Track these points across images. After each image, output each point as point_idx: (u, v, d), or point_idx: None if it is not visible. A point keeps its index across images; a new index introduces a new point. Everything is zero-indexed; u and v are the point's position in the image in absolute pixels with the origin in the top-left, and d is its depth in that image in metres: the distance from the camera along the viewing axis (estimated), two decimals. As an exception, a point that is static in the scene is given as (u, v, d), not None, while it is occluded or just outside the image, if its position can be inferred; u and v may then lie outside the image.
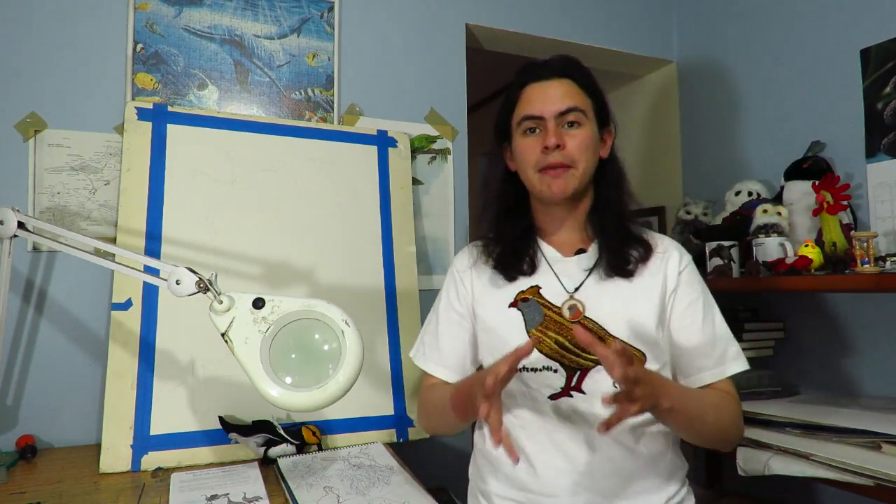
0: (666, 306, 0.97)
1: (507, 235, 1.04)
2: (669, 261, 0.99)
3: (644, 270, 0.98)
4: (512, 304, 1.00)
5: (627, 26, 2.09)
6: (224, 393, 1.30)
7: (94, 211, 1.40)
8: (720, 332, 0.98)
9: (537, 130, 0.98)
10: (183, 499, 1.00)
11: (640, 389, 0.76)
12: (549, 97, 0.97)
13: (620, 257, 0.98)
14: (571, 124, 0.96)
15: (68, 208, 1.38)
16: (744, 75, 1.88)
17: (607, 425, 0.76)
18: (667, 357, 0.98)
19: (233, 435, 1.23)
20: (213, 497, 1.00)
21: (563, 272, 1.00)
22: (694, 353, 0.97)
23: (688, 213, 1.85)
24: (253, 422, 1.26)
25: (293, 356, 0.97)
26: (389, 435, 1.42)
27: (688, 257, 1.02)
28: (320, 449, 1.26)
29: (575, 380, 0.94)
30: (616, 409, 0.76)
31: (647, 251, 0.99)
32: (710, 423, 0.91)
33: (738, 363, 0.97)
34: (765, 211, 1.49)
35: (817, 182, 1.42)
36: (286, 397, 0.92)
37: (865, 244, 1.21)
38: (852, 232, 1.31)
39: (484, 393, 0.79)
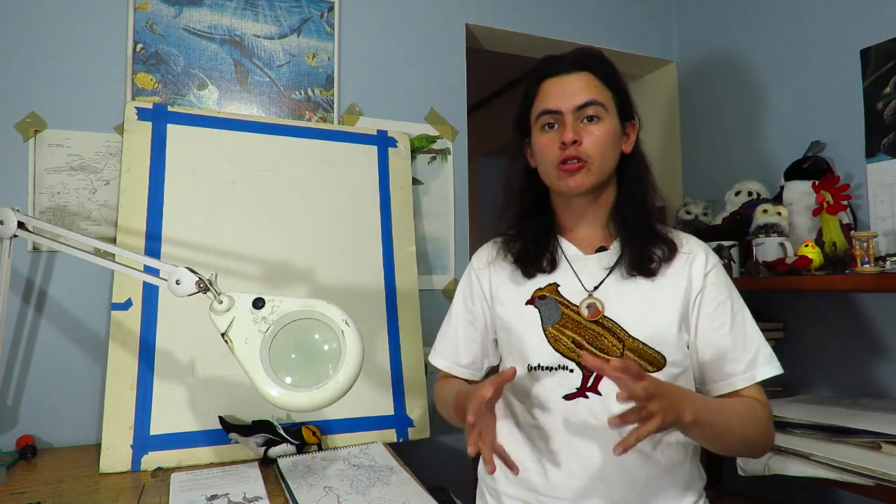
0: (690, 309, 0.94)
1: (527, 232, 1.02)
2: (695, 262, 0.96)
3: (667, 271, 0.95)
4: (529, 302, 0.98)
5: (627, 26, 2.09)
6: (224, 393, 1.30)
7: (94, 211, 1.40)
8: (751, 335, 0.94)
9: (555, 125, 0.96)
10: (183, 499, 1.00)
11: (655, 404, 0.73)
12: (566, 91, 0.94)
13: (643, 256, 0.95)
14: (591, 119, 0.94)
15: (68, 208, 1.38)
16: (744, 75, 1.88)
17: (624, 446, 0.72)
18: (688, 362, 0.95)
19: (233, 435, 1.23)
20: (213, 497, 1.00)
21: (582, 270, 0.98)
22: (724, 358, 0.93)
23: (688, 213, 1.85)
24: (253, 422, 1.26)
25: (293, 356, 0.97)
26: (389, 435, 1.42)
27: (714, 258, 0.98)
28: (320, 449, 1.27)
29: (591, 380, 0.92)
30: (634, 428, 0.73)
31: (671, 251, 0.96)
32: (737, 434, 0.87)
33: (770, 367, 0.93)
34: (765, 211, 1.49)
35: (817, 182, 1.42)
36: (286, 397, 0.92)
37: (865, 244, 1.21)
38: (852, 232, 1.31)
39: (469, 422, 0.78)
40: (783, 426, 1.28)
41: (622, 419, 0.73)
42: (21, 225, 1.11)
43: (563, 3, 1.99)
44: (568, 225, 1.03)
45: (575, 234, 1.02)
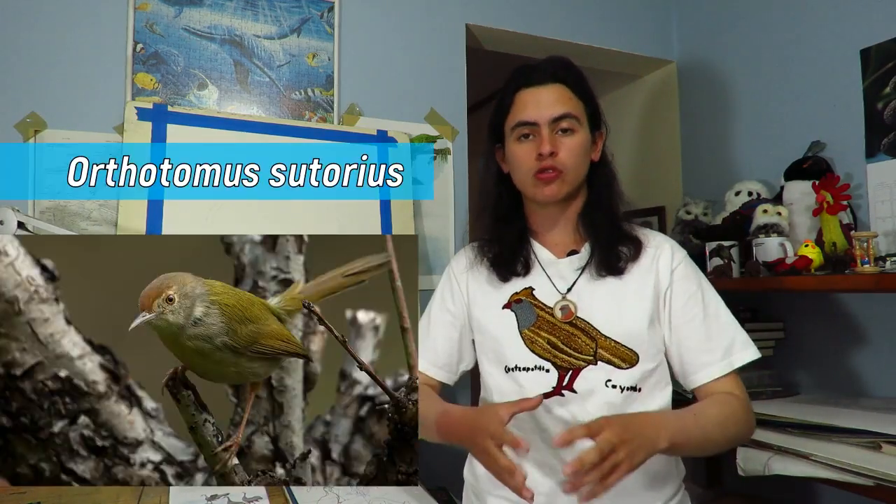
0: (661, 305, 0.98)
1: (502, 237, 1.05)
2: (661, 258, 0.99)
3: (635, 268, 0.99)
4: (506, 306, 1.02)
5: (627, 26, 2.09)
6: (224, 393, 1.30)
7: (94, 211, 1.40)
8: (725, 323, 0.97)
9: (531, 136, 0.98)
10: (183, 499, 1.00)
11: (622, 452, 0.73)
12: (542, 103, 0.98)
13: (611, 255, 0.98)
14: (565, 131, 0.97)
15: (68, 208, 1.38)
16: (744, 75, 1.88)
17: (588, 497, 0.73)
18: (661, 357, 0.98)
19: (233, 435, 1.23)
20: (213, 497, 1.00)
21: (555, 273, 1.01)
22: (699, 348, 0.95)
23: (688, 213, 1.85)
24: (253, 422, 1.26)
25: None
26: (389, 435, 1.42)
27: (682, 252, 1.02)
28: (320, 449, 1.26)
29: (567, 379, 0.95)
30: (600, 481, 0.72)
31: (637, 249, 0.99)
32: (719, 439, 0.90)
33: (746, 352, 0.95)
34: (765, 211, 1.49)
35: (817, 182, 1.42)
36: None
37: (865, 244, 1.21)
38: (852, 232, 1.31)
39: (507, 466, 0.77)
40: (783, 426, 1.28)
41: (577, 483, 0.72)
42: (21, 225, 1.11)
43: (563, 3, 1.99)
44: (540, 230, 1.06)
45: (547, 238, 1.05)
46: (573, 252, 1.03)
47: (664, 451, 0.81)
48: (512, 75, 1.04)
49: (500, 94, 1.05)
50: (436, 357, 1.09)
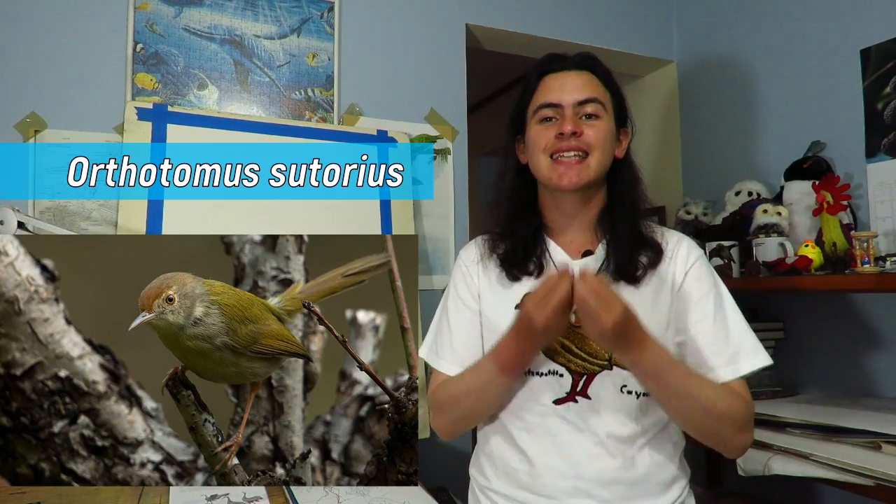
0: (675, 307, 0.95)
1: (515, 232, 1.01)
2: (677, 258, 0.97)
3: (652, 278, 0.96)
4: (518, 306, 0.96)
5: (627, 26, 2.09)
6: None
7: (94, 211, 1.40)
8: (734, 328, 0.93)
9: (554, 119, 0.96)
10: (183, 499, 1.00)
11: (592, 300, 0.79)
12: (568, 86, 0.95)
13: (629, 262, 0.95)
14: (589, 116, 0.95)
15: (68, 208, 1.38)
16: (744, 75, 1.88)
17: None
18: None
19: (233, 435, 1.23)
20: (213, 497, 1.00)
21: None
22: (706, 351, 0.92)
23: (688, 213, 1.85)
24: (253, 422, 1.26)
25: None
26: (389, 435, 1.42)
27: (697, 252, 0.99)
28: (320, 449, 1.26)
29: (581, 384, 0.93)
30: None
31: (657, 256, 0.96)
32: (698, 405, 0.85)
33: (755, 359, 0.90)
34: (765, 211, 1.49)
35: (817, 182, 1.42)
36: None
37: (865, 244, 1.21)
38: (852, 232, 1.31)
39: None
40: (783, 426, 1.28)
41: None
42: (21, 225, 1.11)
43: (563, 3, 1.99)
44: (556, 227, 1.02)
45: (563, 236, 1.02)
46: (588, 252, 0.99)
47: (629, 362, 0.84)
48: (538, 62, 1.01)
49: (524, 81, 1.02)
50: (457, 356, 1.02)
